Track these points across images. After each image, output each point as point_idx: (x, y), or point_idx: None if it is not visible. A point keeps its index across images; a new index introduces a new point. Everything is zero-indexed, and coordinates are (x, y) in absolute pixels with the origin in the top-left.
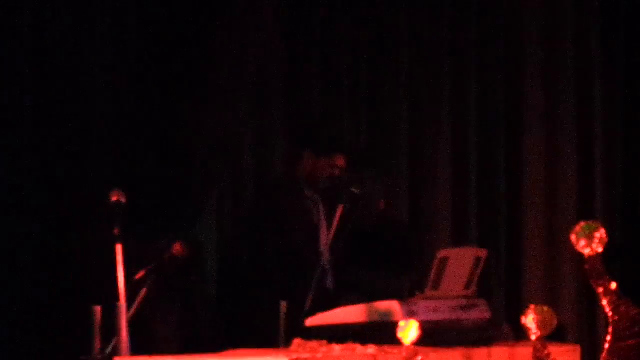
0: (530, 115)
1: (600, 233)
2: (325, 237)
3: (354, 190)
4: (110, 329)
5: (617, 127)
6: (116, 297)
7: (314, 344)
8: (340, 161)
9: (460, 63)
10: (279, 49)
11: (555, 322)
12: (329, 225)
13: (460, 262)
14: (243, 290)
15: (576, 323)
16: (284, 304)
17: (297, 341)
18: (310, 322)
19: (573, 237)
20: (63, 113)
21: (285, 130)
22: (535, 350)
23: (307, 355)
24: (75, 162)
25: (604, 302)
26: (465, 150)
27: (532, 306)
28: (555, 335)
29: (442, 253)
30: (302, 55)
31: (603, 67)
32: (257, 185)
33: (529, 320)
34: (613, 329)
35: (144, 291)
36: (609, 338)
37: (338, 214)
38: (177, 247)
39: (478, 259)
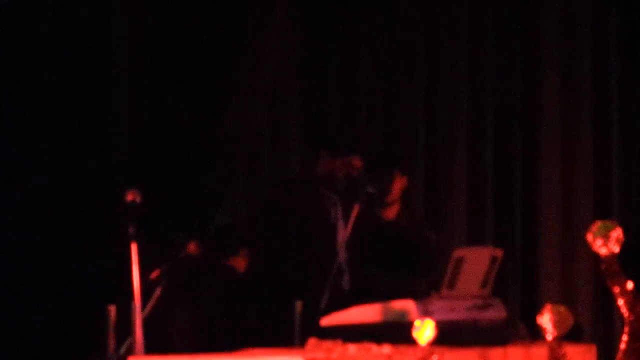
0: (547, 113)
1: (617, 233)
2: (341, 237)
3: (369, 189)
4: (125, 329)
5: (636, 126)
6: (131, 296)
7: (329, 343)
8: (357, 161)
9: (477, 62)
10: (297, 48)
11: (571, 321)
12: (346, 225)
13: (476, 262)
14: (258, 290)
15: (592, 323)
16: (299, 304)
17: (312, 341)
18: (325, 321)
19: (589, 237)
20: (79, 111)
21: (302, 129)
22: (551, 350)
23: (322, 355)
24: (91, 160)
25: (620, 302)
26: (481, 149)
27: (548, 306)
28: (571, 335)
29: (458, 252)
30: (320, 55)
31: (620, 62)
32: (273, 185)
33: (545, 319)
34: (629, 329)
35: (158, 290)
36: (625, 338)
37: (354, 214)
38: (191, 247)
39: (494, 258)
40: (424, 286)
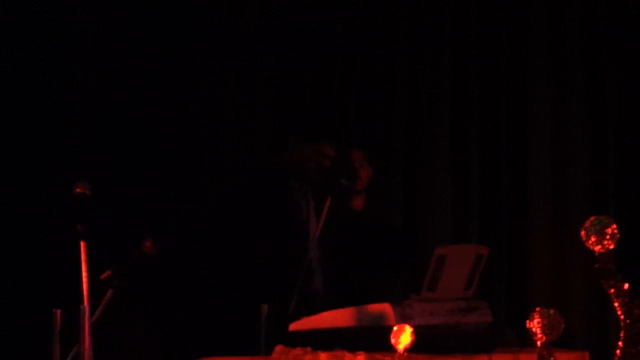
0: (537, 101)
1: (612, 229)
2: (313, 233)
3: (343, 181)
4: (72, 335)
5: (633, 113)
6: (79, 299)
7: (297, 351)
8: (329, 149)
9: (461, 53)
10: (269, 32)
11: (562, 326)
12: (318, 220)
13: (459, 261)
14: (220, 292)
15: (585, 327)
16: (265, 307)
17: (279, 348)
18: (294, 326)
19: (583, 233)
20: (24, 97)
21: (271, 116)
22: (541, 356)
23: None
24: (36, 151)
25: (616, 304)
26: (466, 139)
27: (538, 309)
28: (562, 341)
29: (440, 251)
30: (294, 40)
31: (614, 51)
32: (238, 175)
33: (534, 324)
34: (625, 333)
35: (110, 293)
36: (620, 344)
37: (326, 207)
38: (147, 245)
39: (479, 257)
40: (399, 286)
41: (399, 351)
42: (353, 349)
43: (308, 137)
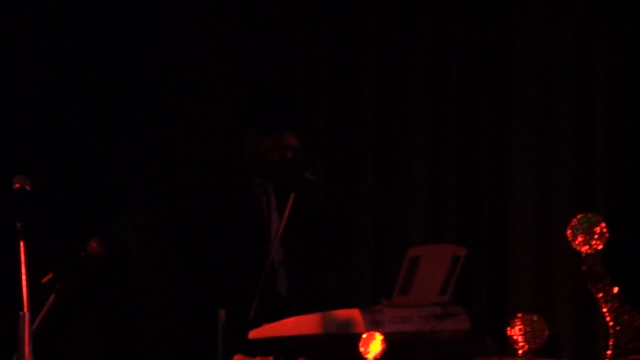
0: (520, 91)
1: (601, 228)
2: (275, 231)
3: (308, 176)
4: (10, 342)
5: (621, 104)
6: (18, 304)
7: None
8: (292, 140)
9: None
10: (227, 18)
11: (546, 333)
12: (281, 217)
13: (434, 263)
14: (174, 297)
15: (571, 335)
16: (222, 313)
17: (238, 357)
18: (254, 334)
19: (569, 232)
20: None
21: (230, 107)
22: None
23: None
24: None
25: (604, 309)
26: (442, 132)
27: (520, 315)
28: (546, 349)
29: (413, 252)
30: (255, 27)
31: (604, 38)
32: (194, 172)
33: (516, 331)
34: (614, 341)
35: (52, 298)
36: (609, 352)
37: (289, 204)
38: (93, 245)
39: (456, 258)
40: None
41: None
42: (318, 358)
43: (269, 128)
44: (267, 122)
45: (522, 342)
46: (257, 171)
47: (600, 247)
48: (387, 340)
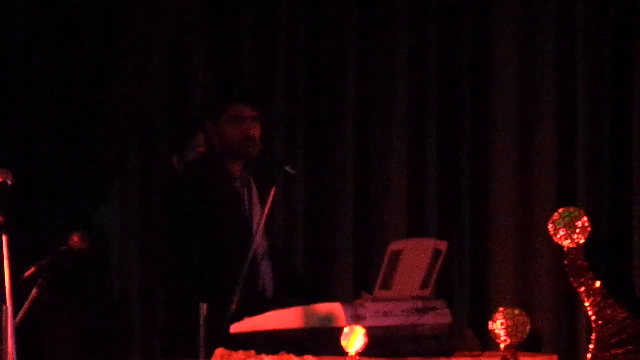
0: (502, 86)
1: (583, 221)
2: (257, 224)
3: (288, 169)
4: None
5: (603, 99)
6: (0, 299)
7: (240, 354)
8: (245, 111)
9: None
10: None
11: (528, 327)
12: (263, 210)
13: (416, 257)
14: (155, 291)
15: (553, 329)
16: (204, 307)
17: (219, 351)
18: (236, 328)
19: (551, 226)
20: None
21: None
22: None
23: None
24: None
25: (587, 303)
26: (422, 121)
27: (501, 309)
28: (528, 344)
29: (394, 245)
30: (230, 22)
31: (586, 35)
32: (172, 165)
33: (498, 325)
34: (597, 335)
35: (34, 292)
36: (591, 347)
37: (271, 196)
38: (75, 239)
39: (437, 252)
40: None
41: (350, 355)
42: (300, 352)
43: (215, 108)
44: (212, 104)
45: (504, 336)
46: (228, 158)
47: (582, 241)
48: (369, 335)
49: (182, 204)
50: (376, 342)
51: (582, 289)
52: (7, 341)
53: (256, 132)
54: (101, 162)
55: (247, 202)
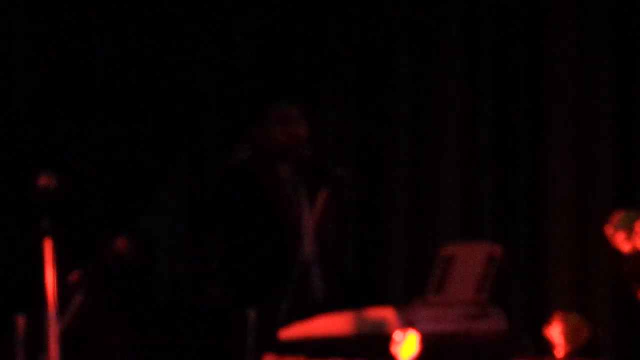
0: (558, 89)
1: None
2: (307, 228)
3: (339, 172)
4: (37, 343)
5: None
6: (44, 304)
7: None
8: (290, 112)
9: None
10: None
11: (586, 334)
12: (312, 214)
13: (469, 261)
14: (203, 296)
15: (612, 335)
16: (252, 312)
17: (268, 357)
18: (285, 334)
19: (610, 230)
20: None
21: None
22: None
23: None
24: None
25: None
26: (477, 126)
27: (559, 315)
28: (586, 351)
29: (447, 250)
30: (278, 30)
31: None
32: (220, 169)
33: (555, 331)
34: None
35: (79, 297)
36: None
37: (321, 199)
38: (120, 243)
39: (492, 257)
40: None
41: None
42: (351, 358)
43: (260, 113)
44: (256, 107)
45: (561, 343)
46: (276, 160)
47: None
48: (422, 341)
49: (229, 208)
50: (429, 348)
51: None
52: (51, 348)
53: (303, 131)
54: (147, 165)
55: (296, 205)
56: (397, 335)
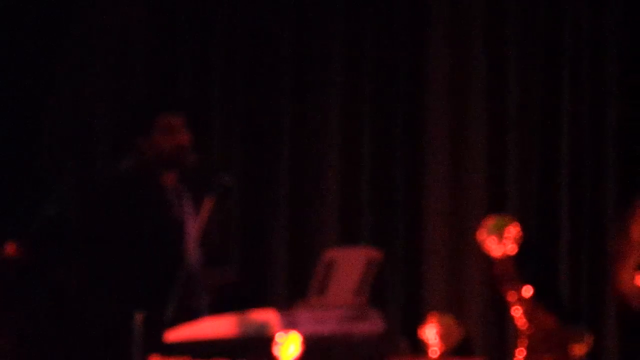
0: (434, 93)
1: (514, 229)
2: (192, 234)
3: (225, 180)
4: None
5: (533, 111)
6: None
7: None
8: (176, 120)
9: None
10: (142, 24)
11: (459, 334)
12: (197, 221)
13: (350, 265)
14: (91, 299)
15: (484, 335)
16: (139, 315)
17: (154, 359)
18: (170, 336)
19: (481, 234)
20: None
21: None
22: None
23: None
24: None
25: (516, 311)
26: (356, 132)
27: (433, 316)
28: (460, 350)
29: (329, 254)
30: (168, 34)
31: (517, 44)
32: (105, 177)
33: (430, 333)
34: (528, 342)
35: None
36: (522, 353)
37: (206, 207)
38: (9, 248)
39: (371, 261)
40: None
41: None
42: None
43: (150, 120)
44: (141, 118)
45: (436, 343)
46: (161, 168)
47: (512, 249)
48: (303, 342)
49: (112, 214)
50: (310, 349)
51: (512, 297)
52: None
53: (187, 140)
54: (39, 170)
55: (179, 212)
56: (279, 336)
